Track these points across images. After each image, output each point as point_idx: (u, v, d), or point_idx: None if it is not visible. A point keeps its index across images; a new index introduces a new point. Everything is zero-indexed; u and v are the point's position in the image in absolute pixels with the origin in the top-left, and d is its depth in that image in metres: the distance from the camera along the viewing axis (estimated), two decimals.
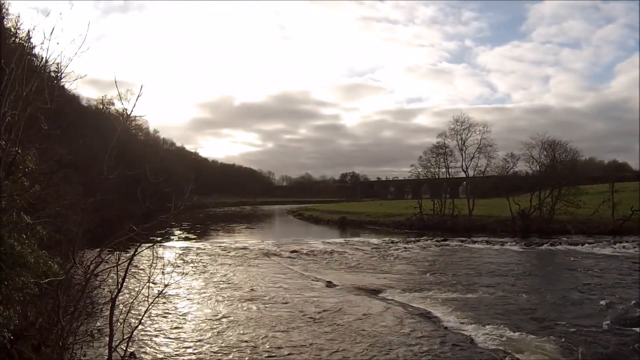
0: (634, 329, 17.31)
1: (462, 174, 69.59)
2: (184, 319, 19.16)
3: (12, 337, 8.65)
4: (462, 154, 66.98)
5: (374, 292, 23.99)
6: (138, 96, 9.53)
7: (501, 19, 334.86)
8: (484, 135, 65.48)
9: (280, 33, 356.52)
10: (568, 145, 60.90)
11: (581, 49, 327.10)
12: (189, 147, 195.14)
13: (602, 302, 21.06)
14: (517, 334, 16.83)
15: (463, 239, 48.59)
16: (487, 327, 17.54)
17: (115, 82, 9.88)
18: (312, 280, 27.70)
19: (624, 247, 40.19)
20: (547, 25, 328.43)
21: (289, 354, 14.81)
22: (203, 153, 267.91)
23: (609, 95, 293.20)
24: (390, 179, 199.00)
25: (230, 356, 14.69)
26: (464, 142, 66.25)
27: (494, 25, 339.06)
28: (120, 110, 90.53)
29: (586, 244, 41.91)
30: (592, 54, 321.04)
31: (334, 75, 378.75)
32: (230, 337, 16.57)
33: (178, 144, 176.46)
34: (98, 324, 12.57)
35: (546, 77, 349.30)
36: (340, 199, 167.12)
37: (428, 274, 29.34)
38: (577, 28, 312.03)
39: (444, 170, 69.34)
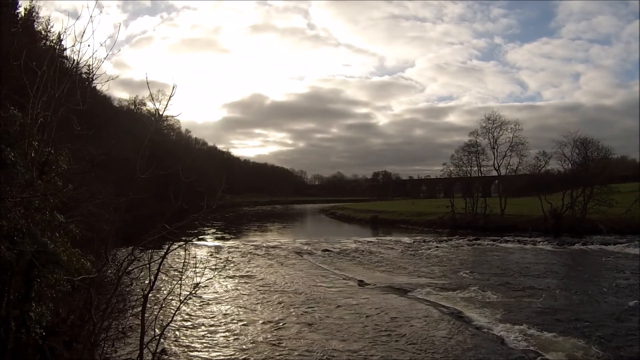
0: None
1: (494, 173, 69.14)
2: (218, 318, 19.21)
3: (44, 333, 8.82)
4: (494, 152, 66.68)
5: (405, 291, 23.98)
6: (170, 96, 9.64)
7: (530, 16, 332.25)
8: (516, 133, 65.11)
9: (310, 32, 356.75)
10: (600, 143, 60.10)
11: (611, 45, 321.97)
12: (221, 147, 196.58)
13: (632, 304, 20.84)
14: (548, 334, 16.73)
15: (495, 238, 48.14)
16: (518, 327, 17.43)
17: (147, 82, 9.99)
18: (344, 279, 27.72)
19: None
20: (576, 22, 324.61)
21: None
22: (235, 152, 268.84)
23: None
24: (422, 177, 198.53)
25: None
26: (496, 141, 65.97)
27: (522, 22, 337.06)
28: (152, 110, 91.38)
29: (618, 244, 41.17)
30: (622, 50, 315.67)
31: (365, 74, 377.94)
32: (265, 339, 16.61)
33: (210, 144, 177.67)
34: (129, 321, 12.72)
35: (576, 74, 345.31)
36: (372, 198, 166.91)
37: (460, 274, 29.23)
38: (606, 24, 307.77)
39: (475, 168, 69.05)
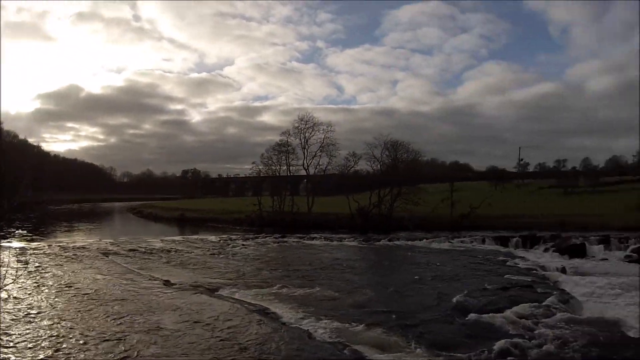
0: (468, 316, 19.08)
1: (303, 172, 71.83)
2: (20, 323, 18.32)
3: None
4: (304, 152, 69.55)
5: (211, 290, 24.58)
6: None
7: (357, 23, 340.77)
8: (327, 135, 68.38)
9: (135, 24, 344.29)
10: (410, 145, 65.24)
11: (432, 56, 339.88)
12: (32, 140, 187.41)
13: (438, 293, 23.21)
14: (354, 326, 17.73)
15: (302, 235, 50.42)
16: (325, 321, 18.27)
17: None
18: (149, 279, 27.96)
19: (461, 241, 44.11)
20: (402, 31, 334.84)
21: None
22: (46, 147, 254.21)
23: (456, 100, 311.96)
24: (232, 176, 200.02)
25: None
26: (307, 141, 69.25)
27: (348, 28, 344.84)
28: None
29: (424, 239, 45.27)
30: (444, 60, 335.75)
31: (184, 70, 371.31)
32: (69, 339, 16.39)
33: (21, 137, 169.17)
34: None
35: (395, 81, 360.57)
36: (182, 196, 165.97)
37: (265, 271, 30.59)
38: (431, 35, 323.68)
39: (285, 167, 71.37)
